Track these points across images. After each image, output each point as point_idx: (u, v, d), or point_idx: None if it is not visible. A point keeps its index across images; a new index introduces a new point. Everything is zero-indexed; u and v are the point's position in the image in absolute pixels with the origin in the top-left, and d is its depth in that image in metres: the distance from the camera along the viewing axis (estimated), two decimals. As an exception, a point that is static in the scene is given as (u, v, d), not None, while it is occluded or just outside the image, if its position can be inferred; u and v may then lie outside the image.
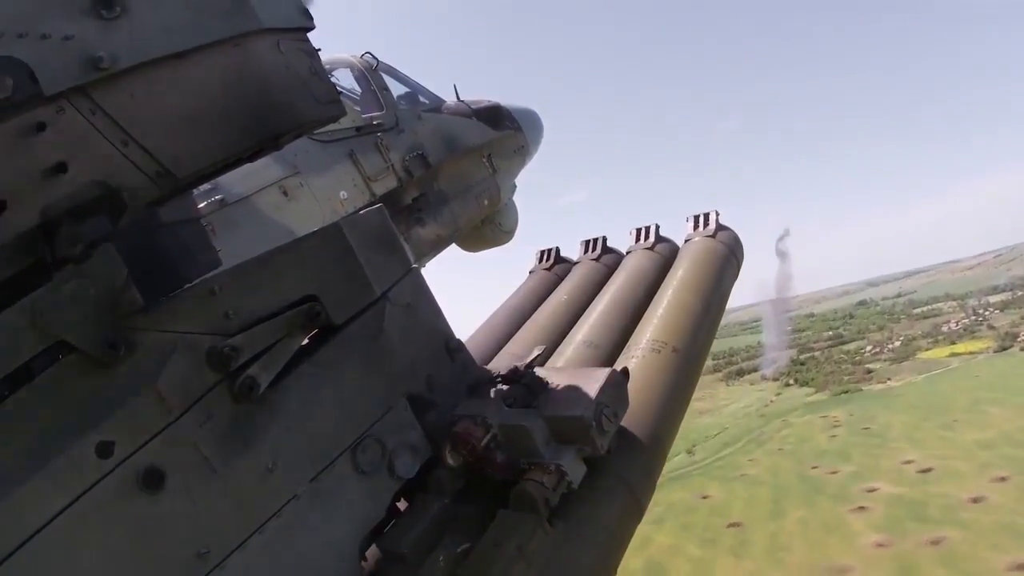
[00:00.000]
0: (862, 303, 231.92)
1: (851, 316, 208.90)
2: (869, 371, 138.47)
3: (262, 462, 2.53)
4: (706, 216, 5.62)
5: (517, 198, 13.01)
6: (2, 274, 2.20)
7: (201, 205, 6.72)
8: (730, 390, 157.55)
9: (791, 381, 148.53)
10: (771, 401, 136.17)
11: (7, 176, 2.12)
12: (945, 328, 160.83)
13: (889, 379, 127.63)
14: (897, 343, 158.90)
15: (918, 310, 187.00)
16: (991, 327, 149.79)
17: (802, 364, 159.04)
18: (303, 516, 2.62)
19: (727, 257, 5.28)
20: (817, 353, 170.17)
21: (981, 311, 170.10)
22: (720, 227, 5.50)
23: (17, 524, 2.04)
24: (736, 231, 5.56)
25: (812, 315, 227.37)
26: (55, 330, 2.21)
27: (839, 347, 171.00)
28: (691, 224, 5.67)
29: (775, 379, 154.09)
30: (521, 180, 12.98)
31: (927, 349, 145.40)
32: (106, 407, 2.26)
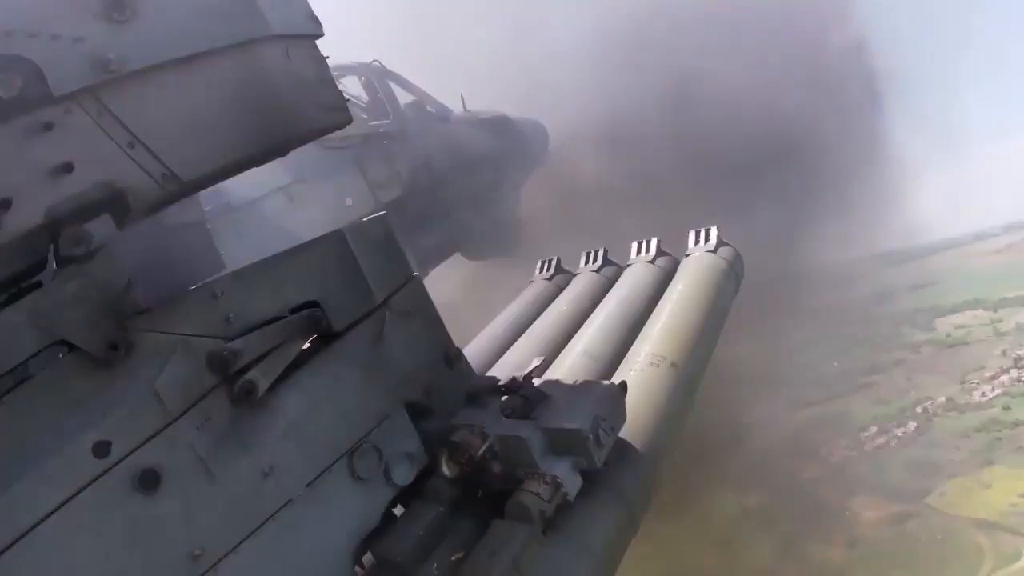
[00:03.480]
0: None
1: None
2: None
3: (259, 466, 2.54)
4: (707, 231, 5.63)
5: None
6: (5, 272, 2.21)
7: (206, 208, 6.74)
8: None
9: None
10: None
11: (13, 175, 2.14)
12: (980, 393, 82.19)
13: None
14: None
15: (944, 329, 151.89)
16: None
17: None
18: (298, 521, 2.62)
19: (727, 273, 5.29)
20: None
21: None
22: (720, 243, 5.52)
23: (11, 521, 2.04)
24: (736, 247, 5.58)
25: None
26: (56, 329, 2.22)
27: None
28: (692, 239, 5.68)
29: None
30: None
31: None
32: (104, 407, 2.27)
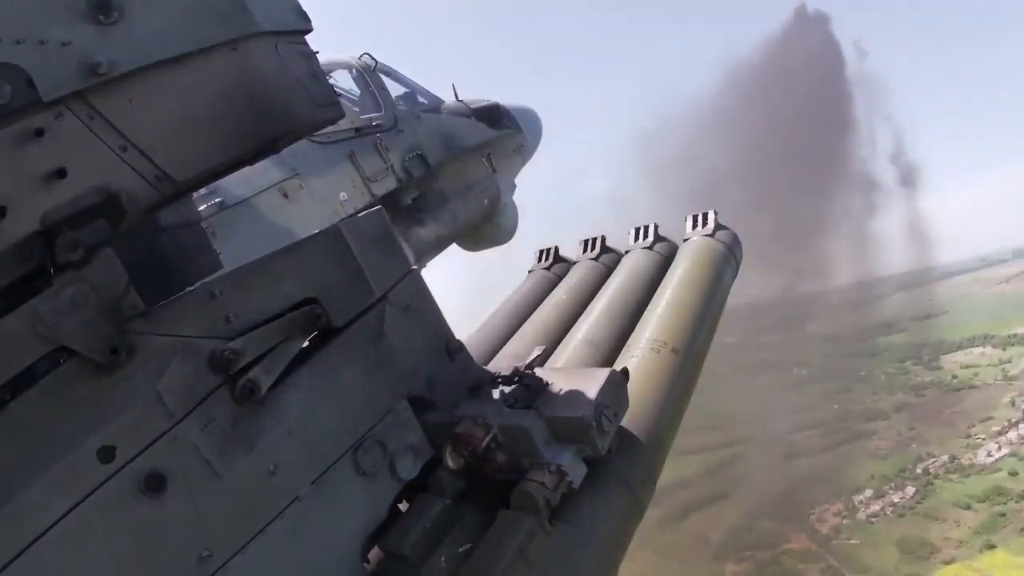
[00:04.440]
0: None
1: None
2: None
3: (263, 464, 2.54)
4: (704, 215, 5.62)
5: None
6: (2, 280, 2.21)
7: (201, 208, 6.72)
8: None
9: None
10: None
11: (6, 182, 2.13)
12: (985, 452, 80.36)
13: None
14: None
15: (950, 368, 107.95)
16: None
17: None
18: (305, 518, 2.63)
19: (726, 256, 5.29)
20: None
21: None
22: (719, 226, 5.51)
23: (19, 530, 2.05)
24: (734, 231, 5.57)
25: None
26: (56, 335, 2.21)
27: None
28: (689, 223, 5.67)
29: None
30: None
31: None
32: (107, 412, 2.27)
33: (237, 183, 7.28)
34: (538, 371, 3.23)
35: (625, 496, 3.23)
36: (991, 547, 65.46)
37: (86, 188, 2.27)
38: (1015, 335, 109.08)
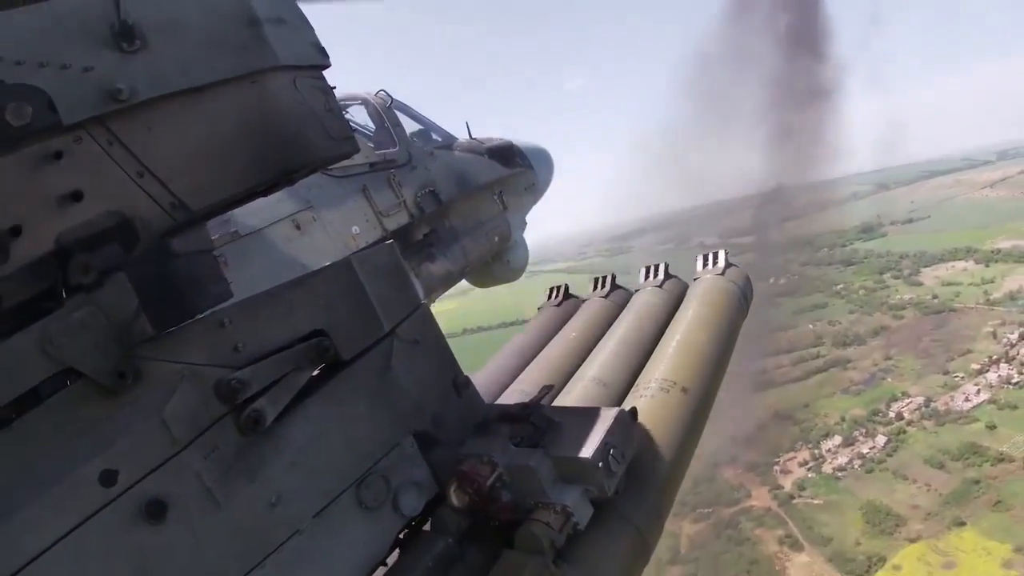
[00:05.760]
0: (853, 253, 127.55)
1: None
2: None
3: (266, 495, 2.51)
4: (715, 255, 5.63)
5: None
6: (14, 299, 2.22)
7: (214, 236, 6.77)
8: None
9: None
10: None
11: (23, 202, 2.16)
12: (963, 395, 77.09)
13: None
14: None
15: (931, 284, 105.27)
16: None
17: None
18: (306, 551, 2.59)
19: (736, 295, 5.27)
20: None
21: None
22: (729, 265, 5.50)
23: (16, 548, 2.02)
24: (745, 270, 5.56)
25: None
26: (64, 356, 2.21)
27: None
28: (700, 262, 5.67)
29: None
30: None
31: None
32: (111, 435, 2.26)
33: (251, 213, 7.34)
34: (546, 409, 3.20)
35: (631, 537, 3.16)
36: (960, 524, 61.34)
37: (101, 212, 2.29)
38: (998, 251, 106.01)
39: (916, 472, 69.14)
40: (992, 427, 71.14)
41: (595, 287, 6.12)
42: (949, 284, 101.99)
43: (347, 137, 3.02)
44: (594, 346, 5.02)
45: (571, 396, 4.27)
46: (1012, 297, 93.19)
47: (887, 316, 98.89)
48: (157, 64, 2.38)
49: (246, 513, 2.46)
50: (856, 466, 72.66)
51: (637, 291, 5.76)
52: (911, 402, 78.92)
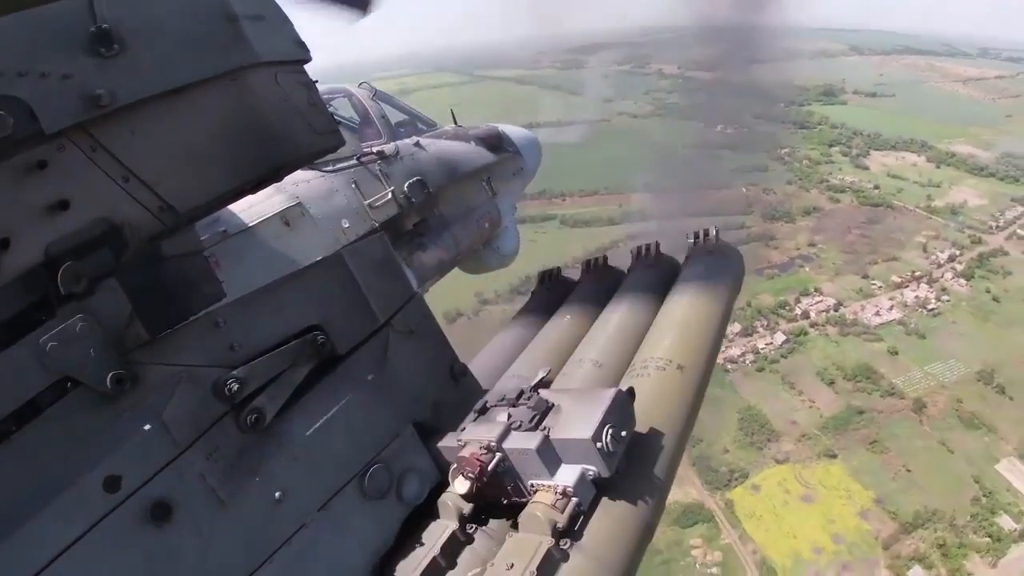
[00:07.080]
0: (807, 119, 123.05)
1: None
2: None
3: (270, 492, 2.53)
4: (706, 232, 5.63)
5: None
6: (7, 311, 2.21)
7: (204, 237, 6.72)
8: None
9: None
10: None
11: (9, 214, 2.15)
12: (874, 309, 75.86)
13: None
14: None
15: (876, 170, 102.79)
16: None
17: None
18: (313, 545, 2.61)
19: (728, 272, 5.29)
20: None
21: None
22: (720, 243, 5.52)
23: (26, 559, 2.03)
24: (736, 247, 5.57)
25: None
26: (61, 366, 2.22)
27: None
28: (691, 241, 5.68)
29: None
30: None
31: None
32: (113, 441, 2.27)
33: (239, 211, 7.30)
34: (544, 392, 3.22)
35: (634, 516, 3.19)
36: (831, 456, 59.11)
37: (89, 219, 2.28)
38: (953, 154, 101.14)
39: (805, 383, 66.53)
40: (894, 352, 68.00)
41: (587, 270, 6.14)
42: (894, 176, 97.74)
43: (332, 131, 3.01)
44: (588, 328, 5.04)
45: (568, 378, 4.29)
46: (953, 211, 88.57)
47: (823, 196, 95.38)
48: (136, 67, 2.36)
49: (251, 510, 2.48)
50: (748, 362, 69.53)
51: (629, 272, 5.77)
52: (821, 301, 75.64)
